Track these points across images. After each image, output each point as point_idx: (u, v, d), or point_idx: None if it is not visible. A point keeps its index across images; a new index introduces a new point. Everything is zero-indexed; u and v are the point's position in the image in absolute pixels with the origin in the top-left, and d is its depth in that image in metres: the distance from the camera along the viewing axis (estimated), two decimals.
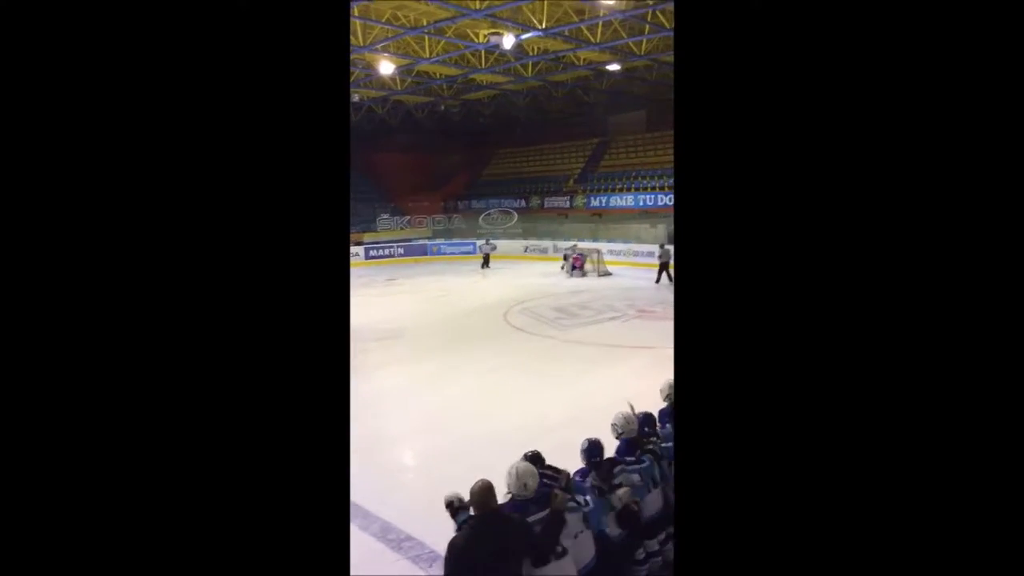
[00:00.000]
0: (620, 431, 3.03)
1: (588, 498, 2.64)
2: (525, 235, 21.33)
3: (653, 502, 2.94)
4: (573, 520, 2.39)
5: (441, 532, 2.32)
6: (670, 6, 11.20)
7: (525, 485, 2.32)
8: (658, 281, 13.91)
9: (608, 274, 15.97)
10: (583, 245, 17.51)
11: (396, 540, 3.57)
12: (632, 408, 3.12)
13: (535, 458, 2.66)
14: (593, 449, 2.85)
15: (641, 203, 19.43)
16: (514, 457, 2.52)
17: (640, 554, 2.89)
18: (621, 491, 2.70)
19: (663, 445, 3.17)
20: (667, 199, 18.71)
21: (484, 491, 2.19)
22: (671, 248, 14.73)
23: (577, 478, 2.72)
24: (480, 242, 19.17)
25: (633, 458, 2.90)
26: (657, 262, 14.31)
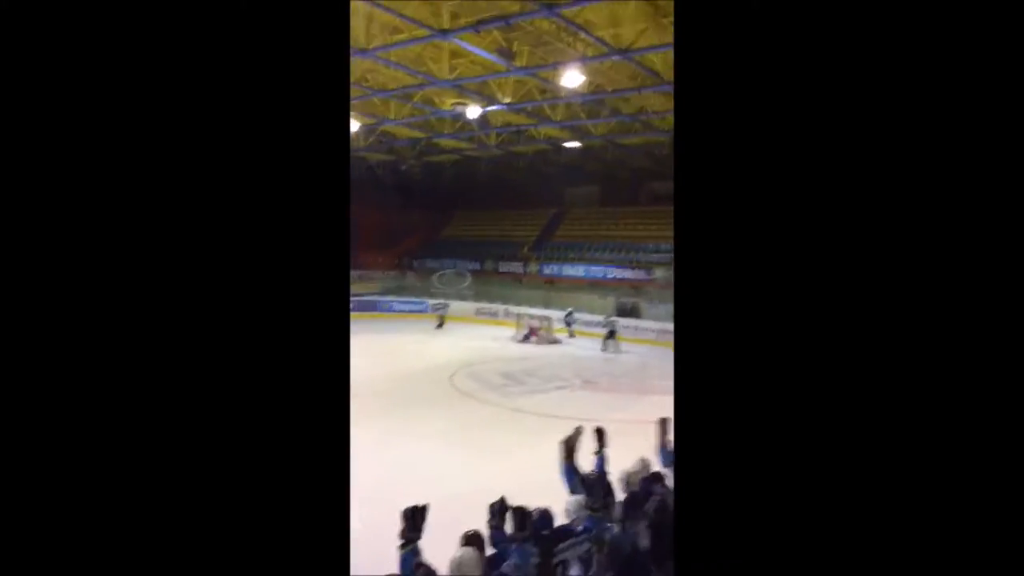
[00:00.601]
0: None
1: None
2: (477, 297, 21.43)
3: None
4: None
5: None
6: (628, 95, 11.98)
7: None
8: (604, 348, 14.65)
9: (556, 342, 16.13)
10: (536, 312, 17.75)
11: None
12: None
13: (475, 538, 2.60)
14: (542, 520, 2.78)
15: (591, 274, 19.96)
16: (455, 529, 2.45)
17: None
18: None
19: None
20: (616, 272, 19.33)
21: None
22: (616, 319, 15.93)
23: (512, 546, 2.65)
24: (434, 302, 19.15)
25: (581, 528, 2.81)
26: (604, 331, 15.11)
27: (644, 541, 3.36)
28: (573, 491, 3.09)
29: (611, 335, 14.91)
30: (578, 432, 3.38)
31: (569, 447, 3.28)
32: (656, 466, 3.58)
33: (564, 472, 3.14)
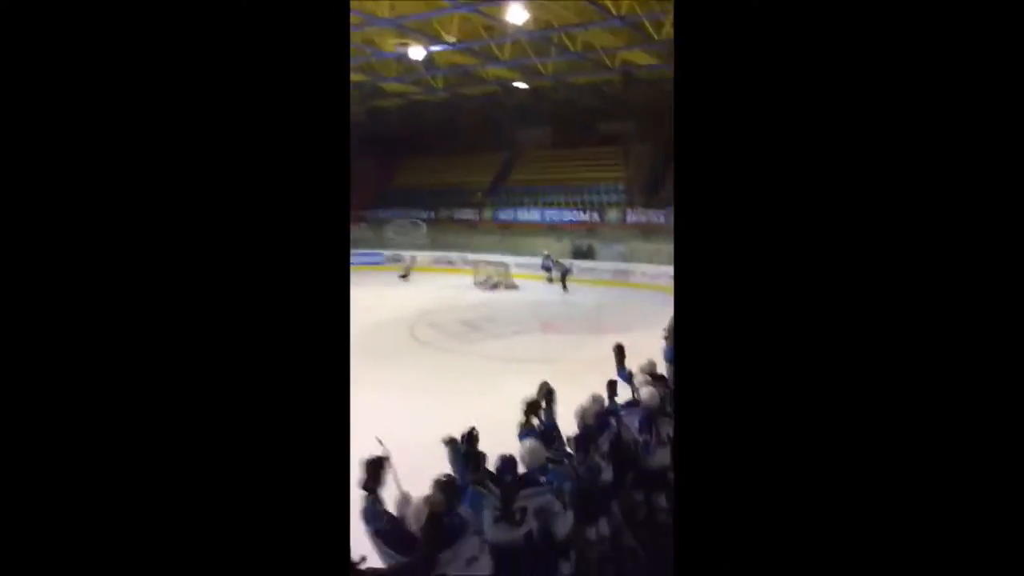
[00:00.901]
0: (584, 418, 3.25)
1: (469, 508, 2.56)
2: (434, 247, 21.23)
3: (563, 522, 2.88)
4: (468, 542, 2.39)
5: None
6: (575, 31, 11.67)
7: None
8: (555, 283, 15.75)
9: (514, 287, 16.24)
10: (492, 258, 17.76)
11: None
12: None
13: (448, 484, 2.63)
14: (505, 466, 2.79)
15: (548, 218, 19.96)
16: (417, 478, 2.49)
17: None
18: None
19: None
20: (572, 215, 19.37)
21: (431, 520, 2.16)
22: (566, 262, 16.65)
23: (468, 489, 2.66)
24: (391, 253, 18.83)
25: (544, 479, 2.83)
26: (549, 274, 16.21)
27: (606, 474, 3.50)
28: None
29: (565, 275, 15.86)
30: (545, 390, 3.43)
31: (532, 407, 3.33)
32: (619, 392, 3.76)
33: (521, 437, 3.15)
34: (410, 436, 2.82)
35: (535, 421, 3.35)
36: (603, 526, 3.30)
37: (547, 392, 3.48)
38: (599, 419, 3.53)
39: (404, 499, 2.40)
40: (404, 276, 17.58)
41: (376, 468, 2.39)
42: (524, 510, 2.68)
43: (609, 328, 11.25)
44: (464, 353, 9.31)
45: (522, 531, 2.67)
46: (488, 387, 7.10)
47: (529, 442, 2.96)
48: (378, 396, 6.84)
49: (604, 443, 3.46)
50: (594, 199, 19.46)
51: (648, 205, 18.21)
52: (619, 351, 4.50)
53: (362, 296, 14.77)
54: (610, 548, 3.32)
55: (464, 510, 2.49)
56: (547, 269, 16.77)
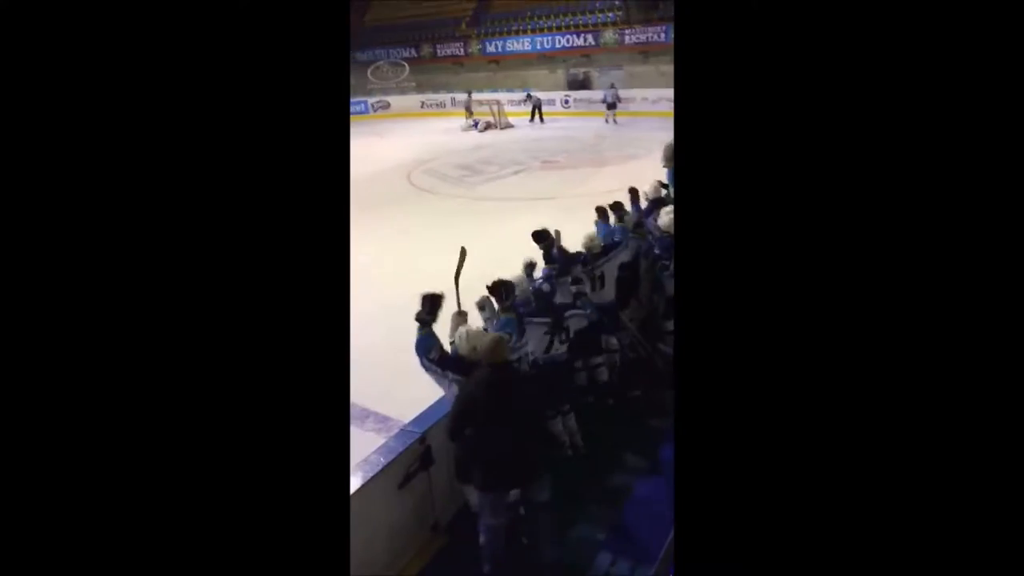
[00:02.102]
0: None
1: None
2: (420, 88, 20.04)
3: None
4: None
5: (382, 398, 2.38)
6: None
7: (474, 348, 2.44)
8: (532, 120, 15.89)
9: (510, 126, 15.61)
10: (485, 96, 16.82)
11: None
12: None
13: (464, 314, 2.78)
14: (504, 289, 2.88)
15: (539, 46, 18.54)
16: (441, 317, 2.58)
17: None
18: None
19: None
20: (565, 40, 17.94)
21: (496, 345, 2.31)
22: (539, 96, 16.30)
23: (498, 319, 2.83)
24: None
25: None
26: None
27: (609, 295, 3.69)
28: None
29: (537, 110, 16.04)
30: (547, 237, 3.44)
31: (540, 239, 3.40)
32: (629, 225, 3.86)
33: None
34: (425, 278, 2.85)
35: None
36: (614, 341, 3.66)
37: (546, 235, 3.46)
38: (606, 248, 3.66)
39: (458, 322, 2.66)
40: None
41: (432, 303, 2.52)
42: (568, 329, 3.04)
43: (610, 160, 11.01)
44: (466, 197, 9.20)
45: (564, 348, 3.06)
46: (493, 229, 7.11)
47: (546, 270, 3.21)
48: (380, 246, 6.88)
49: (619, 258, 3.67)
50: (588, 20, 17.87)
51: (647, 22, 16.76)
52: (633, 194, 4.51)
53: (352, 148, 14.20)
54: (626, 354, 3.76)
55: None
56: (535, 108, 16.27)
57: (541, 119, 16.11)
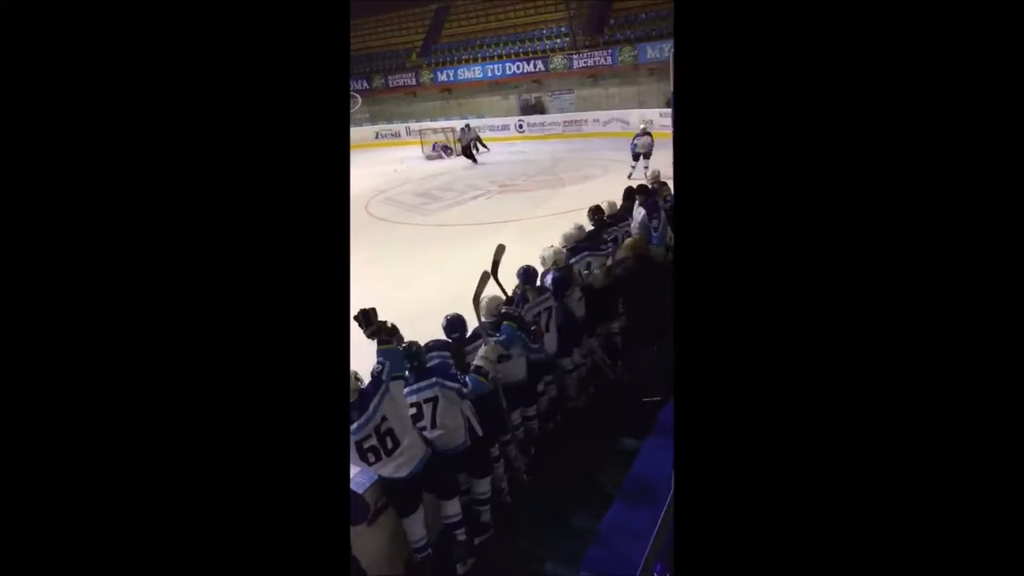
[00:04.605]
0: (550, 263, 3.53)
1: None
2: (373, 119, 20.04)
3: (515, 369, 3.08)
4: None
5: None
6: None
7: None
8: (469, 156, 14.06)
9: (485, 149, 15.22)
10: (438, 125, 16.89)
11: None
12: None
13: (415, 352, 2.70)
14: (452, 324, 2.95)
15: (490, 74, 18.82)
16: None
17: (514, 419, 3.13)
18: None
19: (535, 310, 3.32)
20: (515, 67, 18.27)
21: None
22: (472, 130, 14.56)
23: (432, 355, 2.75)
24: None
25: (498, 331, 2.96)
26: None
27: (579, 311, 3.67)
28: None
29: (476, 141, 14.42)
30: (500, 251, 3.44)
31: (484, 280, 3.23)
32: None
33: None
34: (390, 306, 2.77)
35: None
36: (577, 356, 3.66)
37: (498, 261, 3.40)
38: (567, 258, 3.67)
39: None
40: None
41: (366, 315, 2.51)
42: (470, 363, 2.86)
43: (568, 180, 11.15)
44: (425, 224, 9.15)
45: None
46: (455, 254, 7.06)
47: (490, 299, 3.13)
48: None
49: (578, 282, 3.64)
50: (537, 46, 18.27)
51: (593, 47, 17.25)
52: (595, 211, 4.70)
53: None
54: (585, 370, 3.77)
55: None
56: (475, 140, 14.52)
57: (475, 155, 14.21)
